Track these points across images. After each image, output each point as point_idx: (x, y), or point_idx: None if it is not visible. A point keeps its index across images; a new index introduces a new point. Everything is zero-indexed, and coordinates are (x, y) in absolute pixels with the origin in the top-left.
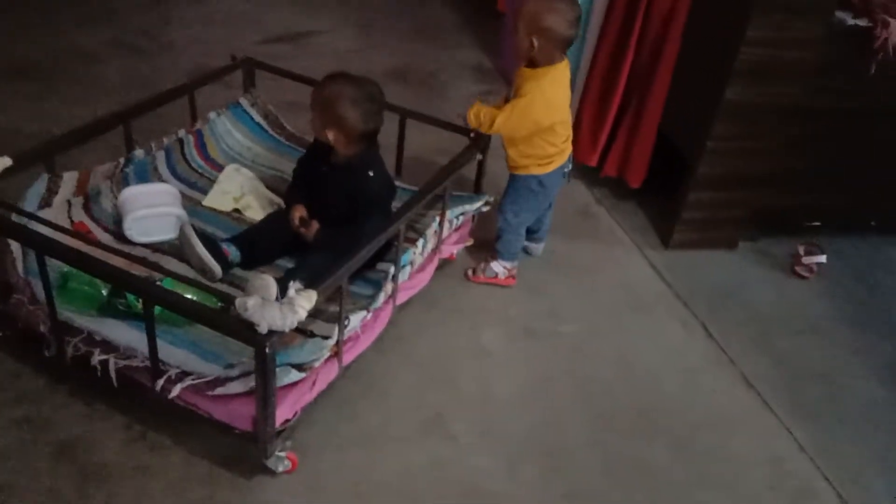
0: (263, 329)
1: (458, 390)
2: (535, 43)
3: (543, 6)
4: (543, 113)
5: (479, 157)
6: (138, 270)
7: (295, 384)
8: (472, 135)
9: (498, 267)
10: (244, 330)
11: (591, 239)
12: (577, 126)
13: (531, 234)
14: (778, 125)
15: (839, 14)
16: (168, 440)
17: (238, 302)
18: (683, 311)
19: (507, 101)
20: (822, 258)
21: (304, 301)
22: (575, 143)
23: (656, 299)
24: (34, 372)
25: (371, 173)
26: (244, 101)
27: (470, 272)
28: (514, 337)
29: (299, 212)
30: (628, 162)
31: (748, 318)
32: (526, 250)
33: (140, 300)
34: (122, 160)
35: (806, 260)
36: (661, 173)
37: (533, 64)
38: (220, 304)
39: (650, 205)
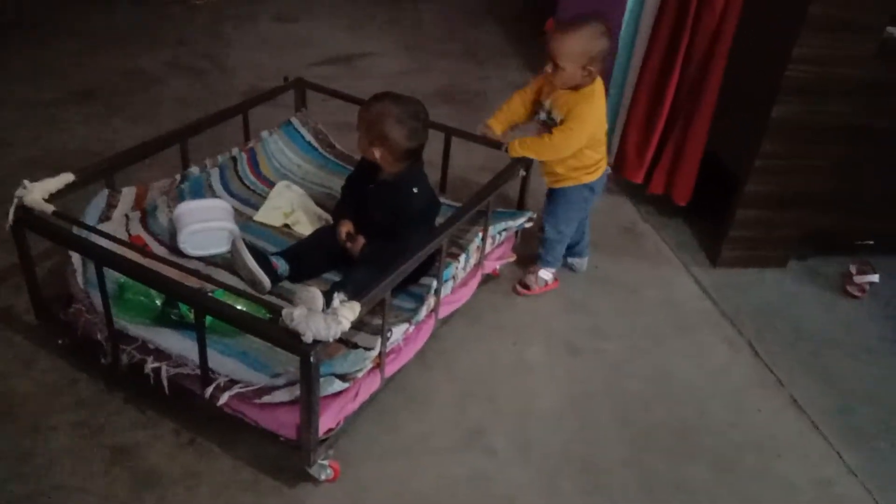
0: (308, 339)
1: (499, 405)
2: (590, 68)
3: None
4: (598, 126)
5: (522, 173)
6: (192, 282)
7: (338, 394)
8: (505, 149)
9: (546, 274)
10: (290, 339)
11: (636, 256)
12: (622, 143)
13: (571, 248)
14: (827, 144)
15: (890, 30)
16: (215, 446)
17: (285, 312)
18: (730, 330)
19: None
20: (875, 277)
21: (347, 312)
22: (621, 160)
23: (702, 318)
24: (90, 378)
25: (415, 190)
26: (295, 121)
27: (520, 288)
28: (557, 353)
29: (346, 227)
30: (675, 179)
31: (797, 338)
32: (570, 267)
33: (192, 310)
34: (177, 176)
35: (857, 279)
36: (708, 191)
37: (577, 87)
38: (268, 315)
39: (697, 223)
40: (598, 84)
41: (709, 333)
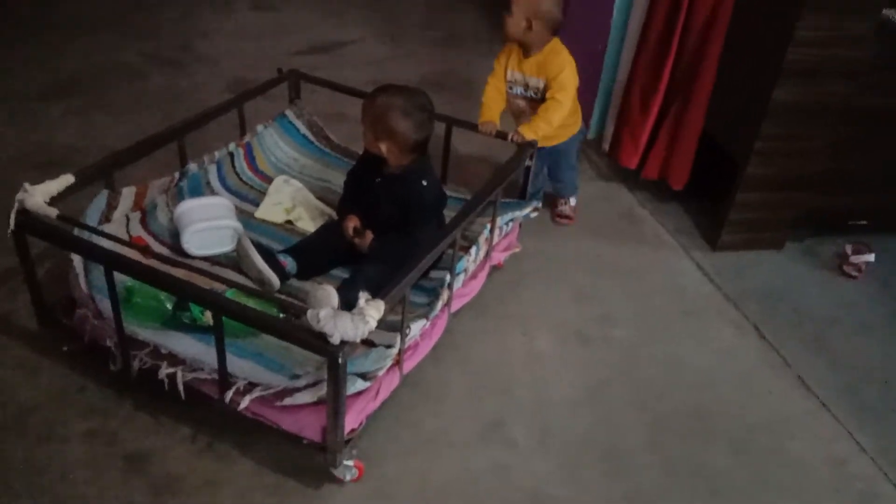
0: (336, 339)
1: (515, 395)
2: (534, 24)
3: None
4: (575, 74)
5: (528, 163)
6: (201, 282)
7: (360, 393)
8: (512, 138)
9: (574, 201)
10: (315, 340)
11: (636, 242)
12: (617, 128)
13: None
14: (826, 125)
15: (886, 12)
16: (234, 450)
17: (310, 313)
18: (734, 313)
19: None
20: (871, 257)
21: (373, 311)
22: (615, 145)
23: (706, 302)
24: (98, 385)
25: (424, 182)
26: (290, 113)
27: (562, 220)
28: (567, 341)
29: (353, 222)
30: (671, 164)
31: (800, 319)
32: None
33: (204, 312)
34: (176, 174)
35: (854, 259)
36: (703, 173)
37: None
38: (280, 314)
39: (693, 206)
40: (557, 41)
41: (714, 317)
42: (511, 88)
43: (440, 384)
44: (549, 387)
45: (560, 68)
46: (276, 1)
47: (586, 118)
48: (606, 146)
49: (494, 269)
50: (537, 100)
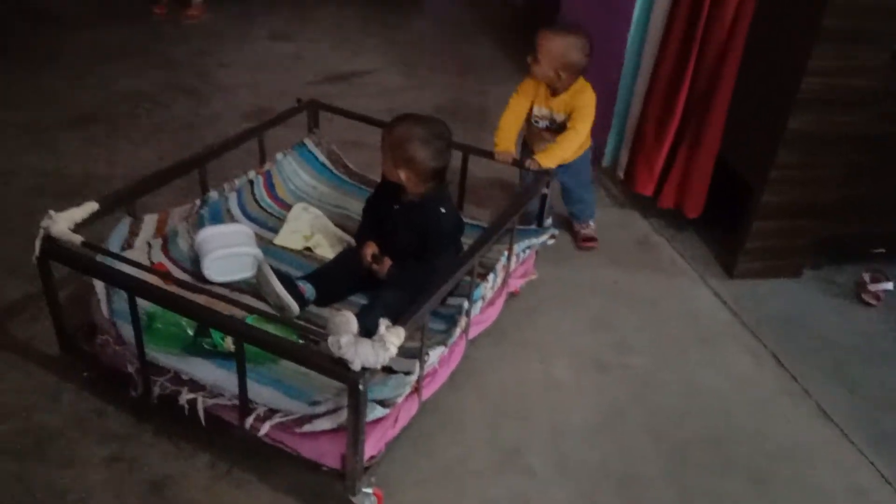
0: (357, 366)
1: (532, 423)
2: (561, 73)
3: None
4: (594, 106)
5: (545, 191)
6: (221, 308)
7: (379, 420)
8: (529, 166)
9: (593, 223)
10: (336, 367)
11: (652, 270)
12: (632, 155)
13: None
14: (842, 153)
15: None
16: (253, 477)
17: (331, 339)
18: (752, 340)
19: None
20: (889, 285)
21: (393, 338)
22: (630, 173)
23: (723, 329)
24: (118, 411)
25: (442, 210)
26: (309, 142)
27: (587, 244)
28: (584, 369)
29: (371, 248)
30: (686, 193)
31: (819, 347)
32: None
33: (225, 338)
34: (197, 202)
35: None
36: (718, 200)
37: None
38: (300, 340)
39: (709, 233)
40: (582, 79)
41: (731, 344)
42: (536, 122)
43: (458, 411)
44: (567, 414)
45: (584, 104)
46: (293, 32)
47: (601, 146)
48: (621, 173)
49: (511, 295)
50: (556, 129)
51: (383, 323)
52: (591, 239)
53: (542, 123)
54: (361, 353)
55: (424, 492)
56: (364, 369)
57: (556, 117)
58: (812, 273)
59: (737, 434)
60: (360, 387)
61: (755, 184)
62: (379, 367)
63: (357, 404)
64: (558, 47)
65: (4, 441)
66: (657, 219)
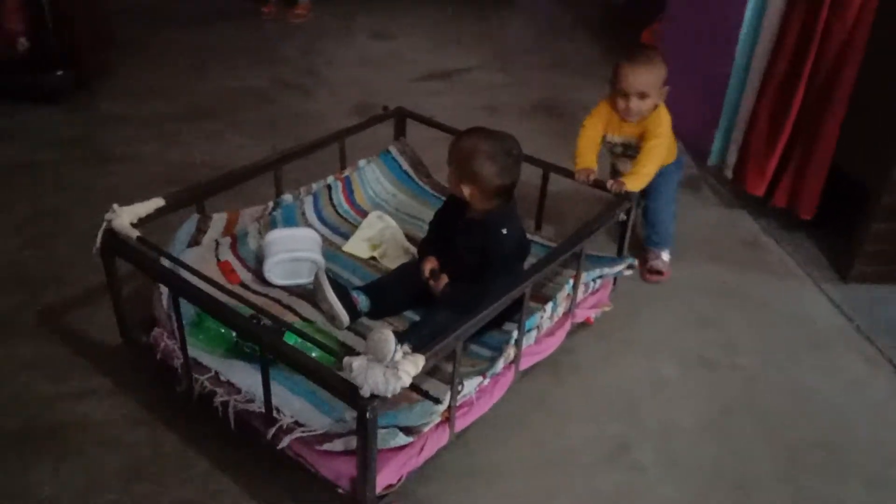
0: (366, 392)
1: (639, 420)
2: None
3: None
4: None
5: (622, 217)
6: (276, 311)
7: (401, 448)
8: (611, 188)
9: (667, 256)
10: (347, 390)
11: (761, 270)
12: (742, 153)
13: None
14: None
15: None
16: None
17: (346, 361)
18: (867, 346)
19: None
20: None
21: (409, 366)
22: (740, 171)
23: (836, 334)
24: (169, 408)
25: (504, 231)
26: (394, 149)
27: (651, 276)
28: (692, 368)
29: (431, 263)
30: (800, 192)
31: None
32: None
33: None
34: (270, 203)
35: None
36: (829, 203)
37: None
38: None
39: (820, 236)
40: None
41: (844, 349)
42: (612, 150)
43: (564, 405)
44: (675, 412)
45: (658, 124)
46: (394, 31)
47: (707, 143)
48: (729, 172)
49: (582, 325)
50: (633, 155)
51: (401, 348)
52: (658, 272)
53: (617, 149)
54: (371, 379)
55: (533, 479)
56: (374, 396)
57: (630, 142)
58: None
59: (851, 439)
60: (368, 415)
61: (874, 185)
62: (389, 395)
63: (365, 431)
64: (659, 73)
65: None
66: (766, 219)
